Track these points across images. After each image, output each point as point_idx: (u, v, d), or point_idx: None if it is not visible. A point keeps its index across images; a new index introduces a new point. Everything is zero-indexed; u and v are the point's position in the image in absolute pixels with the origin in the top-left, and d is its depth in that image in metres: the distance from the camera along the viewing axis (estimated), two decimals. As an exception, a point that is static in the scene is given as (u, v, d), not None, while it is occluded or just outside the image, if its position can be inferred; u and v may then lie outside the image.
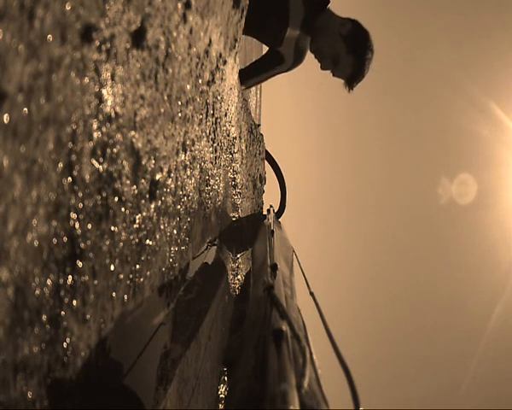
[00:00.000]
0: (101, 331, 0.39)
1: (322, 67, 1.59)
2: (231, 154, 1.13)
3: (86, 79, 0.33)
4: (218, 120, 0.89)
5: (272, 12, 1.52)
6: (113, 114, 0.37)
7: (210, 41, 0.72)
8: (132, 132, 0.42)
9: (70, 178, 0.32)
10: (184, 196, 0.64)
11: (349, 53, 1.52)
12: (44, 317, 0.30)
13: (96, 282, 0.37)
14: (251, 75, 1.65)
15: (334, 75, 1.60)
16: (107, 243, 0.38)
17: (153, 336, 0.55)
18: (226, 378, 1.02)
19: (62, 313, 0.32)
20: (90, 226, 0.35)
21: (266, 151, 2.01)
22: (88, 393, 0.36)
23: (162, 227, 0.54)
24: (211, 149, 0.83)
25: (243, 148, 1.41)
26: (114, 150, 0.38)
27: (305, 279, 0.82)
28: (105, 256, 0.38)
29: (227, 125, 1.02)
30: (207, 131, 0.78)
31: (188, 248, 0.70)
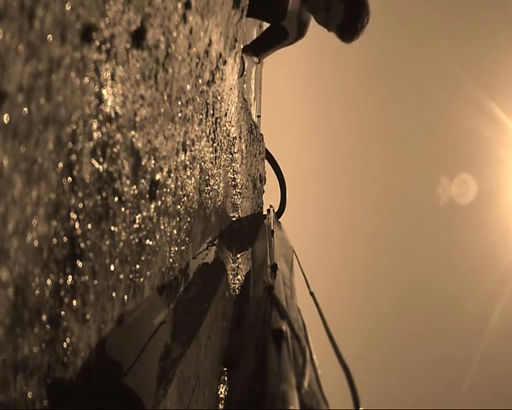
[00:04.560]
0: (101, 331, 0.39)
1: (317, 19, 1.61)
2: (231, 154, 1.13)
3: (86, 79, 0.33)
4: (218, 120, 0.89)
5: None
6: (113, 114, 0.37)
7: (210, 41, 0.72)
8: (132, 132, 0.42)
9: (70, 178, 0.32)
10: (184, 196, 0.64)
11: (341, 1, 1.53)
12: (44, 317, 0.30)
13: (96, 282, 0.37)
14: (259, 51, 1.68)
15: (328, 30, 1.59)
16: (107, 243, 0.38)
17: (153, 335, 0.55)
18: (226, 378, 1.02)
19: (62, 313, 0.32)
20: (90, 226, 0.35)
21: (266, 150, 2.01)
22: (88, 393, 0.36)
23: (162, 227, 0.54)
24: (211, 149, 0.83)
25: (243, 148, 1.41)
26: (114, 150, 0.38)
27: (305, 279, 0.82)
28: (105, 256, 0.38)
29: (227, 125, 1.02)
30: (207, 131, 0.78)
31: (188, 248, 0.70)
